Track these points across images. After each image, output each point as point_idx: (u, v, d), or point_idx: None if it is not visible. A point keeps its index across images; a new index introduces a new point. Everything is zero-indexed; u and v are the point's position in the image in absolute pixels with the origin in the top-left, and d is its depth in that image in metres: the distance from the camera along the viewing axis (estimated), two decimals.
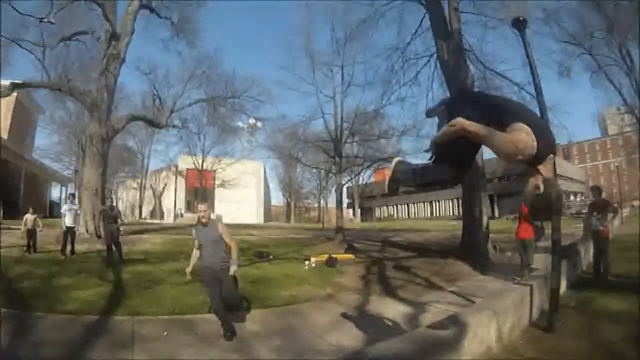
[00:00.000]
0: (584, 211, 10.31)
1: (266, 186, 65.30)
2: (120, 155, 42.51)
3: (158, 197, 53.55)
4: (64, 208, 12.21)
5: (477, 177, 13.09)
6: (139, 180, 52.97)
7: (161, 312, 6.36)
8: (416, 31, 16.53)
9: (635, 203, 55.80)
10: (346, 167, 24.16)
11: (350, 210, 69.78)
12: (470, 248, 12.50)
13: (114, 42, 17.81)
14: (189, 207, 46.74)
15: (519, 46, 10.63)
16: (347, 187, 60.92)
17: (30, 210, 12.48)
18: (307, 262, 11.50)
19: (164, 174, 52.26)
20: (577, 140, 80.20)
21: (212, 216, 5.98)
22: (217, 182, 46.73)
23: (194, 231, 5.66)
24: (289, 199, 71.28)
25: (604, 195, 9.86)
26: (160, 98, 23.33)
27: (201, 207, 5.61)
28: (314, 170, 44.81)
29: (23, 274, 8.62)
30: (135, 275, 9.08)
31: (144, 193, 53.71)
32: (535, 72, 5.91)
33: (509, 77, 15.45)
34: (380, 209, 77.70)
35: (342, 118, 21.12)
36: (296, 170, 63.60)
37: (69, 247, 11.64)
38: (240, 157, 41.37)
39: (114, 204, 13.10)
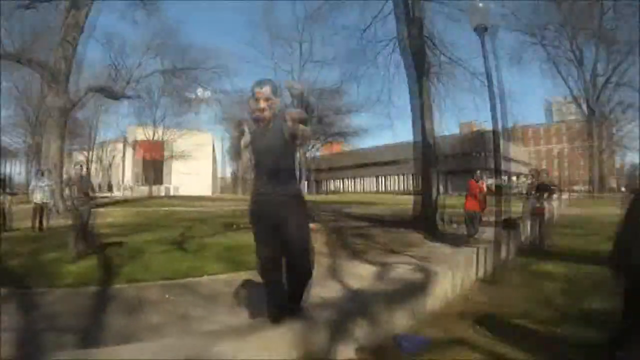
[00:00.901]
0: (525, 192, 12.04)
1: (214, 158, 64.81)
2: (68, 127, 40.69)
3: (107, 169, 52.20)
4: (33, 184, 12.22)
5: (429, 154, 14.31)
6: (86, 153, 50.88)
7: (155, 278, 6.73)
8: (377, 15, 17.29)
9: (576, 187, 60.91)
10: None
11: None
12: (422, 219, 13.74)
13: (73, 11, 17.36)
14: (139, 179, 45.75)
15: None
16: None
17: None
18: None
19: (110, 146, 50.81)
20: (522, 125, 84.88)
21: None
22: (167, 154, 45.99)
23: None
24: (237, 171, 71.04)
25: (546, 177, 11.45)
26: (116, 68, 23.14)
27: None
28: None
29: (7, 253, 8.53)
30: (116, 247, 9.32)
31: (92, 166, 51.69)
32: (488, 65, 6.96)
33: (463, 65, 16.73)
34: (327, 182, 79.13)
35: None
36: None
37: (38, 224, 11.65)
38: (191, 128, 41.06)
39: (83, 172, 9.94)
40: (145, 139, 42.24)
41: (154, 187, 43.55)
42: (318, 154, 65.39)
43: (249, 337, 2.99)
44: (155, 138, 41.56)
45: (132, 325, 4.35)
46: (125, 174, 49.65)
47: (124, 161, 49.93)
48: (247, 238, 10.34)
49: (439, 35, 16.88)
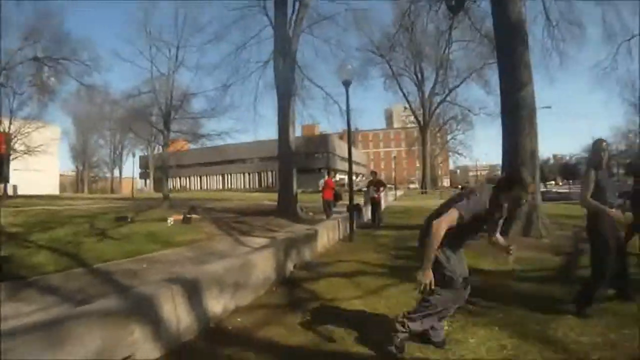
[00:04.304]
0: (364, 188, 16.60)
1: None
2: None
3: None
4: None
5: (289, 155, 17.86)
6: None
7: (119, 257, 8.63)
8: (254, 36, 20.12)
9: (412, 185, 72.36)
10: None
11: (142, 181, 69.29)
12: (285, 209, 17.17)
13: None
14: None
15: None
16: (140, 157, 60.84)
17: None
18: (169, 220, 14.34)
19: None
20: (362, 129, 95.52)
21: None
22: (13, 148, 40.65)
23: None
24: (80, 167, 67.29)
25: (379, 176, 15.79)
26: None
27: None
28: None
29: None
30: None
31: None
32: (347, 90, 10.45)
33: (322, 87, 20.78)
34: (173, 179, 78.44)
35: (172, 95, 23.48)
36: (93, 137, 61.01)
37: None
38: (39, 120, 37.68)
39: None
40: None
41: None
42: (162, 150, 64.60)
43: None
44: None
45: (137, 283, 6.20)
46: None
47: None
48: (148, 227, 12.45)
49: (307, 66, 20.66)
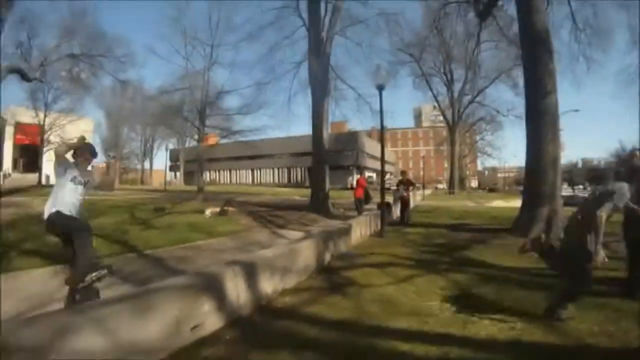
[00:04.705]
0: (393, 187, 17.16)
1: None
2: None
3: None
4: None
5: (322, 153, 18.61)
6: None
7: (166, 244, 9.38)
8: (288, 37, 20.72)
9: (439, 186, 72.42)
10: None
11: (172, 174, 70.61)
12: (317, 205, 17.94)
13: None
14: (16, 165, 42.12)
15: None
16: (171, 150, 61.96)
17: None
18: (206, 212, 15.24)
19: None
20: (390, 127, 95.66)
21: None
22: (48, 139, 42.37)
23: None
24: (111, 159, 68.58)
25: (408, 176, 16.36)
26: (30, 49, 22.88)
27: None
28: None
29: None
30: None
31: None
32: (381, 94, 11.07)
33: (354, 88, 21.36)
34: (203, 173, 79.34)
35: (207, 92, 24.21)
36: (124, 129, 62.69)
37: None
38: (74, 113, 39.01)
39: None
40: (27, 121, 38.99)
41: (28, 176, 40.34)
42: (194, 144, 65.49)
43: None
44: (37, 122, 38.64)
45: (190, 268, 6.90)
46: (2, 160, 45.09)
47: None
48: (187, 218, 13.30)
49: (341, 68, 21.47)
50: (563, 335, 3.96)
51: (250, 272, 4.82)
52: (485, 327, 4.17)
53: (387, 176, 63.06)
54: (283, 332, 4.11)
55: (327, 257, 7.41)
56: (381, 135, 11.95)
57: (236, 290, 4.49)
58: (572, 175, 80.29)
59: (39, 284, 5.84)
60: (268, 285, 5.16)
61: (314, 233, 8.95)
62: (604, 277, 5.29)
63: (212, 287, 4.18)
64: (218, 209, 15.72)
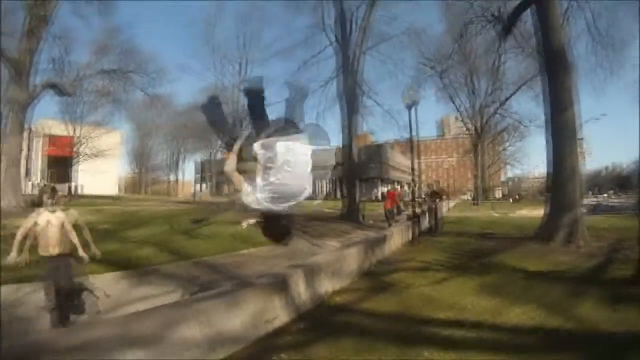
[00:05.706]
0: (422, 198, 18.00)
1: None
2: None
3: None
4: None
5: (353, 166, 19.56)
6: None
7: (213, 253, 10.28)
8: (317, 54, 21.97)
9: (463, 197, 72.53)
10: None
11: (198, 185, 71.93)
12: (349, 216, 18.82)
13: (40, 1, 17.16)
14: (45, 176, 42.81)
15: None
16: (198, 162, 64.37)
17: None
18: (243, 223, 16.03)
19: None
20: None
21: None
22: (78, 151, 42.19)
23: None
24: (140, 170, 70.31)
25: (436, 187, 17.16)
26: (66, 64, 23.59)
27: None
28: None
29: None
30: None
31: None
32: (410, 112, 11.98)
33: (381, 105, 22.74)
34: (229, 184, 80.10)
35: (238, 107, 25.44)
36: (153, 141, 64.40)
37: None
38: (103, 125, 40.53)
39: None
40: (58, 134, 40.59)
41: (58, 186, 40.84)
42: (221, 156, 66.72)
43: None
44: (66, 134, 40.18)
45: (243, 274, 7.98)
46: (31, 171, 46.50)
47: (29, 157, 46.17)
48: (226, 229, 14.15)
49: (368, 84, 22.37)
50: (578, 322, 4.76)
51: (309, 274, 5.73)
52: (512, 316, 4.99)
53: (407, 188, 63.37)
54: (342, 323, 4.98)
55: (369, 263, 8.28)
56: (411, 150, 12.82)
57: (299, 289, 5.38)
58: (597, 182, 79.16)
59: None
60: (322, 286, 6.03)
61: (357, 241, 9.82)
62: None
63: (281, 286, 5.06)
64: (254, 220, 16.34)
